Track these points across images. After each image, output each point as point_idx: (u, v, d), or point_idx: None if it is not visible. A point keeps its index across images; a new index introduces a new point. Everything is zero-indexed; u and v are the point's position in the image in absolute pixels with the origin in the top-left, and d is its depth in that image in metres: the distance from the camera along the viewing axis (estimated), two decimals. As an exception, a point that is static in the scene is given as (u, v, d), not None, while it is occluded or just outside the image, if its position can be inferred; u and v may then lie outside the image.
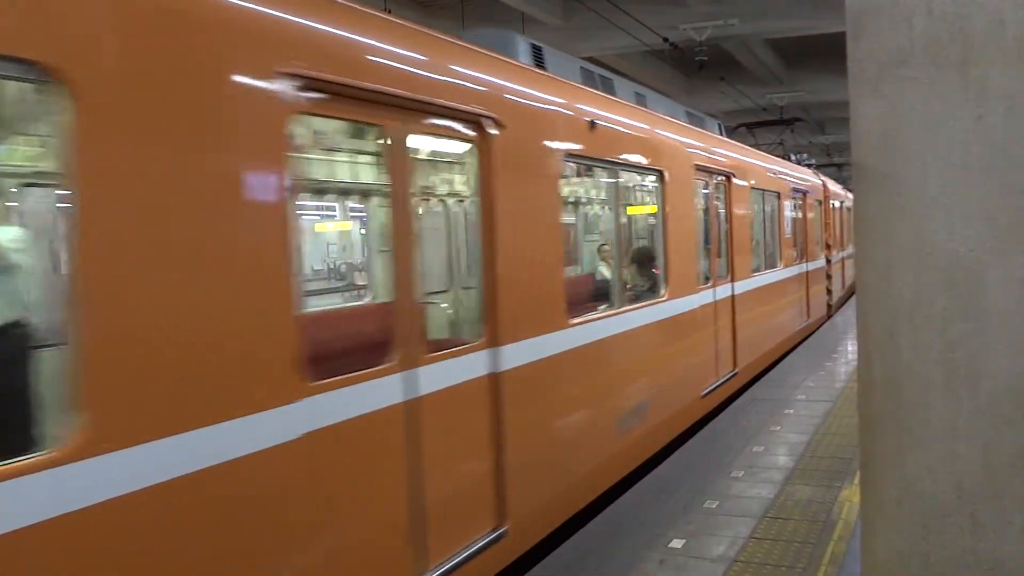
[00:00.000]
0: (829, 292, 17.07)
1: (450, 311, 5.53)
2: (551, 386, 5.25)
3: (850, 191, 20.94)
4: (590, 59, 13.58)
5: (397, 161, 3.94)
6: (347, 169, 6.75)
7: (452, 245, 6.21)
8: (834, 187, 19.90)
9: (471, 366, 4.40)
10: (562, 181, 5.52)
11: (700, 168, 8.51)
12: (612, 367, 6.24)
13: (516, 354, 4.74)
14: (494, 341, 4.58)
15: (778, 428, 7.95)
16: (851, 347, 12.53)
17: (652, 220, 7.91)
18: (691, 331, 8.03)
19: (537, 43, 6.11)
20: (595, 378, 5.90)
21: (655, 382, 7.07)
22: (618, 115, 6.73)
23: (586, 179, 9.15)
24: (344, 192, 7.56)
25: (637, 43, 15.97)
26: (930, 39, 2.31)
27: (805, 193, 14.81)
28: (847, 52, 2.48)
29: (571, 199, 9.80)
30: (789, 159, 17.31)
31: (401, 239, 3.95)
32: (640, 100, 8.04)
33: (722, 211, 9.57)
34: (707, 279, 8.73)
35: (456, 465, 4.25)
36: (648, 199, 8.08)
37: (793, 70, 23.74)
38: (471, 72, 4.64)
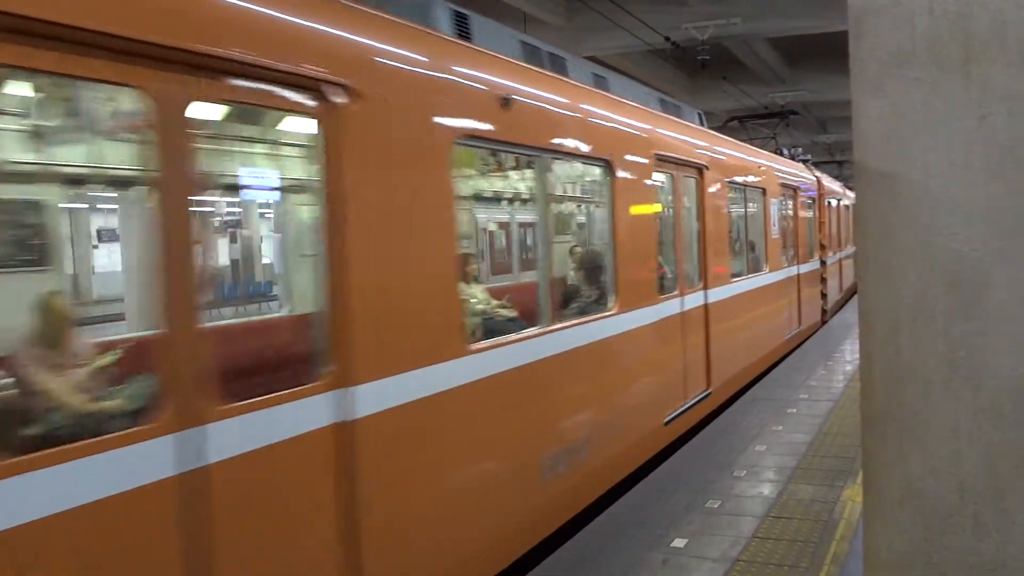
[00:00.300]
0: (824, 296, 16.29)
1: (274, 341, 4.49)
2: (439, 432, 4.17)
3: (850, 188, 20.71)
4: (592, 58, 13.62)
5: (169, 136, 2.92)
6: (101, 149, 4.97)
7: (287, 252, 5.01)
8: (830, 184, 19.06)
9: (304, 415, 3.34)
10: (458, 169, 4.57)
11: (664, 159, 7.39)
12: (537, 399, 5.14)
13: (380, 394, 3.70)
14: (345, 379, 3.52)
15: (780, 428, 7.94)
16: (851, 348, 12.51)
17: (594, 219, 6.82)
18: (650, 348, 6.95)
19: (463, 11, 5.28)
20: (510, 415, 4.83)
21: (598, 413, 6.00)
22: (547, 92, 5.67)
23: (525, 171, 7.61)
24: (90, 180, 5.60)
25: (639, 42, 16.01)
26: (932, 39, 2.31)
27: (796, 189, 13.87)
28: (849, 52, 2.47)
29: (506, 194, 8.39)
30: (781, 154, 16.88)
31: (175, 245, 2.91)
32: (600, 83, 7.06)
33: (693, 209, 8.53)
34: (674, 287, 7.67)
35: (275, 552, 3.21)
36: (591, 193, 7.04)
37: (795, 69, 23.77)
38: (306, 24, 3.58)
